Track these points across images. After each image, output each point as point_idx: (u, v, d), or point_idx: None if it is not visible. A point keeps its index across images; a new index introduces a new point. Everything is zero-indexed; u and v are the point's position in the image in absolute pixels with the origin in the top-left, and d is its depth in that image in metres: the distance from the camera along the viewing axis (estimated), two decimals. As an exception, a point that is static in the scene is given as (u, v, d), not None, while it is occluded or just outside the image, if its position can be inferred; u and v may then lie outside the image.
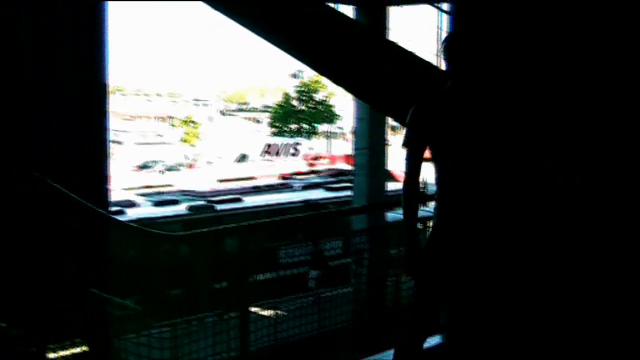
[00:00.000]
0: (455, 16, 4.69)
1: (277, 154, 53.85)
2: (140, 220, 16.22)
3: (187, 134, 72.14)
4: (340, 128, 72.38)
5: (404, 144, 4.63)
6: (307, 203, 22.01)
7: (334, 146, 61.37)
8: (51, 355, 7.05)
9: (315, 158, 50.48)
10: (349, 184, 19.75)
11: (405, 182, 4.65)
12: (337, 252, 15.92)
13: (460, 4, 5.61)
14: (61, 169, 7.60)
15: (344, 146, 56.65)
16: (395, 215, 11.20)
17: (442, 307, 4.74)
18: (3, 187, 6.77)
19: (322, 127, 70.18)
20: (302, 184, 27.09)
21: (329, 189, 24.90)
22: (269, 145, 55.55)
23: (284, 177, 32.84)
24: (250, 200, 22.29)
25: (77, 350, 7.24)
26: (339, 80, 8.04)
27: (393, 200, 18.66)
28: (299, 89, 71.91)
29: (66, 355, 7.18)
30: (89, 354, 7.31)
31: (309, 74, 69.20)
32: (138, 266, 10.01)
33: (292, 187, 26.56)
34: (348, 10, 14.21)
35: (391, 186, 15.45)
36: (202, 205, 21.15)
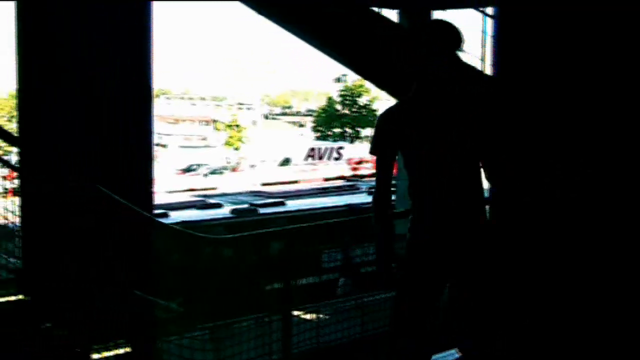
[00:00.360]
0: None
1: (321, 158, 53.83)
2: (183, 223, 16.31)
3: (231, 137, 72.43)
4: (383, 132, 72.28)
5: (370, 150, 4.51)
6: (349, 207, 21.99)
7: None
8: (95, 355, 7.11)
9: (359, 162, 50.41)
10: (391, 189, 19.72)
11: (375, 189, 4.58)
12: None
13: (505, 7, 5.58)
14: (106, 171, 7.67)
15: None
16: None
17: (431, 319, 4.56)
18: (55, 190, 6.83)
19: (366, 131, 70.09)
20: (345, 188, 27.07)
21: (371, 193, 24.84)
22: (312, 149, 55.52)
23: (326, 181, 32.82)
24: (293, 204, 22.33)
25: (121, 351, 7.29)
26: (382, 84, 8.04)
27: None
28: (342, 92, 71.95)
29: (110, 356, 7.23)
30: (132, 356, 7.36)
31: (352, 78, 69.19)
32: (181, 268, 10.06)
33: (335, 191, 26.56)
34: (392, 15, 14.18)
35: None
36: (245, 208, 21.23)
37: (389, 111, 4.46)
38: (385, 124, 4.44)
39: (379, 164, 4.50)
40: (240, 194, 26.22)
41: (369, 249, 16.48)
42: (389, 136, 4.42)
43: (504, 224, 4.92)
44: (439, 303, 4.47)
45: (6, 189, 7.29)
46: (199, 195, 26.71)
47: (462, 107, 4.31)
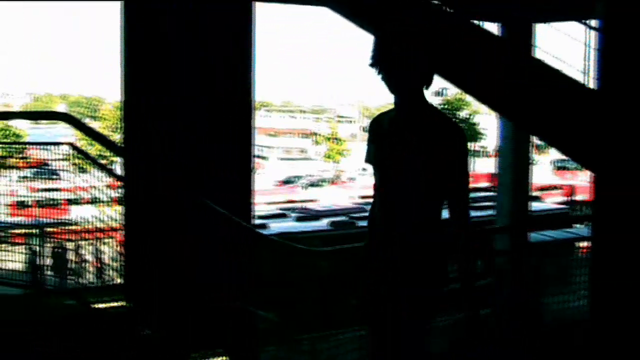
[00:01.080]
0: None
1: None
2: (282, 235, 16.41)
3: (330, 150, 72.72)
4: (483, 146, 71.50)
5: (365, 159, 4.38)
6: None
7: (477, 165, 60.73)
8: (193, 364, 7.21)
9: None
10: (491, 203, 19.46)
11: (373, 198, 4.40)
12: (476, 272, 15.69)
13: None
14: (207, 182, 7.77)
15: (487, 165, 55.98)
16: (539, 236, 10.97)
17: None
18: (157, 199, 6.96)
19: (465, 145, 69.52)
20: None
21: (477, 207, 24.59)
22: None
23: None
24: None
25: (219, 360, 7.37)
26: (483, 98, 7.96)
27: (537, 220, 18.27)
28: (442, 106, 71.56)
29: (208, 365, 7.32)
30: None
31: (452, 91, 68.74)
32: (279, 279, 10.13)
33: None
34: (493, 28, 14.04)
35: (535, 206, 15.13)
36: (344, 221, 21.23)
37: (373, 120, 4.37)
38: (369, 130, 4.34)
39: (373, 172, 4.35)
40: (338, 206, 26.27)
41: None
42: (372, 145, 4.28)
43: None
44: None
45: (111, 197, 7.47)
46: (297, 207, 26.86)
47: (437, 136, 4.03)
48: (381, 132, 4.23)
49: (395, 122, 4.15)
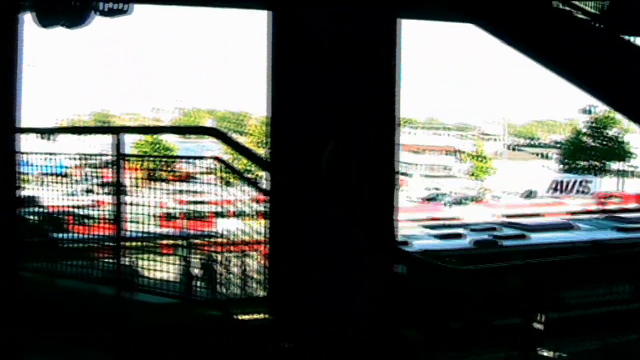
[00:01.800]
0: None
1: (565, 191, 52.55)
2: (425, 252, 16.35)
3: (475, 168, 72.08)
4: (634, 166, 69.45)
5: None
6: (594, 243, 21.27)
7: (627, 185, 59.02)
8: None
9: (606, 197, 48.72)
10: (641, 225, 18.89)
11: None
12: (623, 297, 15.22)
13: None
14: (351, 198, 7.79)
15: (638, 185, 54.39)
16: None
17: None
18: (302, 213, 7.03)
19: (615, 165, 67.61)
20: (590, 224, 26.22)
21: (620, 229, 23.89)
22: (556, 182, 54.29)
23: (571, 215, 31.98)
24: (535, 237, 21.90)
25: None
26: (633, 115, 7.72)
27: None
28: (590, 124, 69.83)
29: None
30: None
31: (601, 109, 67.06)
32: (423, 297, 10.07)
33: (579, 226, 25.78)
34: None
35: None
36: (486, 240, 21.03)
37: None
38: None
39: None
40: (482, 224, 26.03)
41: (617, 288, 15.82)
42: None
43: None
44: None
45: (256, 211, 7.59)
46: (441, 225, 26.76)
47: None
48: None
49: None
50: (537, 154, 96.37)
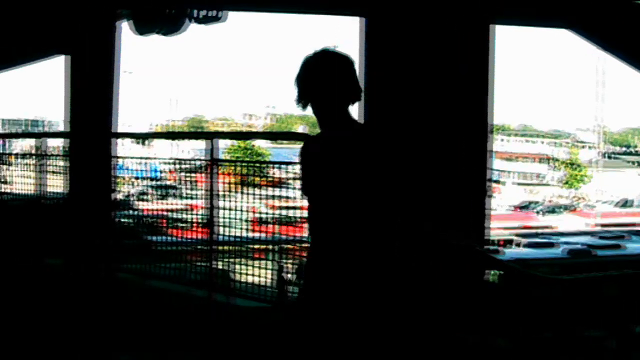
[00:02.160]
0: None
1: (664, 200, 51.40)
2: (517, 261, 16.21)
3: (568, 176, 70.94)
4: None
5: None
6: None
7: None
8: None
9: None
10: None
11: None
12: None
13: None
14: (442, 204, 7.76)
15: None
16: None
17: None
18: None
19: None
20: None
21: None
22: (654, 191, 53.13)
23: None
24: (631, 247, 21.54)
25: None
26: None
27: None
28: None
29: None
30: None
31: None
32: (509, 306, 9.96)
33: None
34: None
35: None
36: (580, 249, 20.76)
37: (302, 147, 4.19)
38: (300, 161, 4.14)
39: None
40: (578, 234, 25.71)
41: None
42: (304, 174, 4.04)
43: None
44: None
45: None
46: (533, 234, 26.48)
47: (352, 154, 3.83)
48: (311, 157, 4.13)
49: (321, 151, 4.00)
50: (633, 162, 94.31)
